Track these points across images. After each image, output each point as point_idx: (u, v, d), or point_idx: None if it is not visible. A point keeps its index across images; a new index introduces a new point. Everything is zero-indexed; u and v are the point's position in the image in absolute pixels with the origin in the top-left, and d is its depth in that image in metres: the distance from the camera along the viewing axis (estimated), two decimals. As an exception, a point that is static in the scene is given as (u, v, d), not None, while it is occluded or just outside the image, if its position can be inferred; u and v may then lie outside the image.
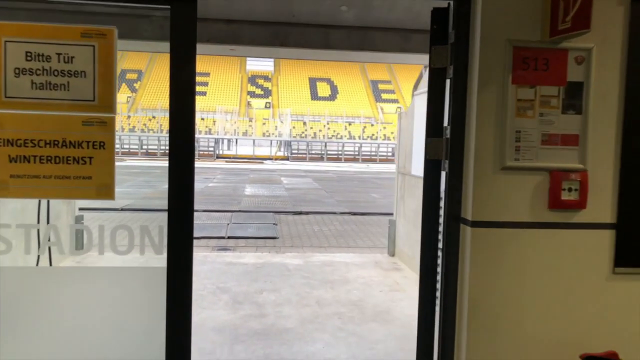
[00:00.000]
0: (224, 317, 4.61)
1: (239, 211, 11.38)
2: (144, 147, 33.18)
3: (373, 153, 34.37)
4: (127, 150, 32.76)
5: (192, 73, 2.28)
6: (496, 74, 2.39)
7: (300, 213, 11.38)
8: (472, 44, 2.44)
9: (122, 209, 11.37)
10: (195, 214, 10.04)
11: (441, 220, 2.59)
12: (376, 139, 46.69)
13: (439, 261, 2.61)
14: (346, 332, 4.32)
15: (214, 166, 27.55)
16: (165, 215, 2.32)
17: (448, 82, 2.54)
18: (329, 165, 30.16)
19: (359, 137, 47.12)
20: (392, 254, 7.53)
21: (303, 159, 33.05)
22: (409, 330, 4.21)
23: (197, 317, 4.44)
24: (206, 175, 20.96)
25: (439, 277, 2.61)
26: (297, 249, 8.01)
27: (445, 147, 2.54)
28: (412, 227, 6.68)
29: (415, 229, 6.58)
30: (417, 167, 6.55)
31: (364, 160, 33.08)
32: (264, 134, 53.19)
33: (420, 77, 6.96)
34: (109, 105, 2.22)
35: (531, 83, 2.41)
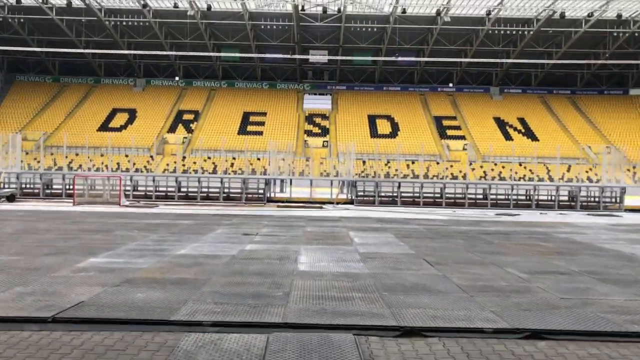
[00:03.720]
0: None
1: (283, 327, 5.54)
2: (182, 189, 28.30)
3: (459, 195, 27.98)
4: (163, 193, 27.97)
5: None
6: None
7: (411, 334, 5.42)
8: None
9: (53, 320, 5.81)
10: (190, 339, 3.42)
11: None
12: (441, 178, 40.29)
13: None
14: None
15: (262, 213, 22.06)
16: None
17: None
18: (405, 211, 24.01)
19: (424, 176, 40.90)
20: None
21: (371, 203, 27.10)
22: None
23: None
24: (247, 229, 15.30)
25: None
26: None
27: None
28: None
29: None
30: None
31: (448, 205, 26.71)
32: (321, 174, 47.81)
33: None
34: None
35: None
